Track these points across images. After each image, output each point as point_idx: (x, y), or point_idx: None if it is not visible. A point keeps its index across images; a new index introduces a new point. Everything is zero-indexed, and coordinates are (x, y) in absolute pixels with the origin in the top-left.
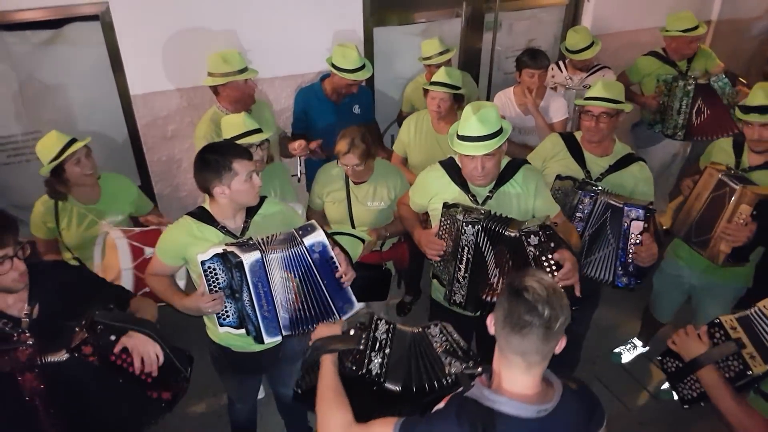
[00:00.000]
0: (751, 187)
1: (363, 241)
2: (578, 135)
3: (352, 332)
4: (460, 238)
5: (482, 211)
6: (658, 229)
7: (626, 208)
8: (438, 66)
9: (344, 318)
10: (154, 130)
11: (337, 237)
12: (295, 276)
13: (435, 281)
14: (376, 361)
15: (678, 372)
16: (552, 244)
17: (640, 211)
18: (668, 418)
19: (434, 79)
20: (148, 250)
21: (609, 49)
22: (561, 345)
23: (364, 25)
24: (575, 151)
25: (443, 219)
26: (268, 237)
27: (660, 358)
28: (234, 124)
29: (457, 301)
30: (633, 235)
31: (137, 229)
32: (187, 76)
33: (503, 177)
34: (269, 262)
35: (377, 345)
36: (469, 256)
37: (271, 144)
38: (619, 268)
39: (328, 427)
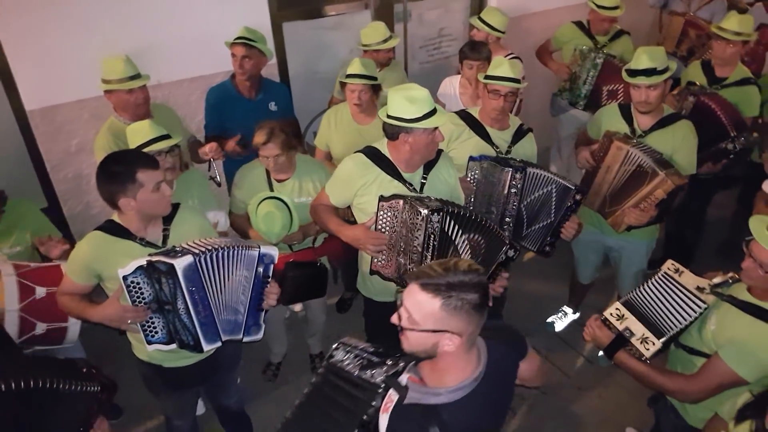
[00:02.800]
0: (673, 176)
1: (290, 210)
2: (473, 111)
3: None
4: (421, 227)
5: (431, 198)
6: None
7: (575, 189)
8: (383, 53)
9: (246, 340)
10: (57, 146)
11: (264, 202)
12: (231, 276)
13: (372, 277)
14: None
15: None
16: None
17: (584, 192)
18: (605, 379)
19: (349, 71)
20: (39, 290)
21: (525, 31)
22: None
23: (272, 20)
24: (478, 128)
25: (381, 212)
26: (196, 242)
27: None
28: (139, 132)
29: None
30: (570, 212)
31: (33, 265)
32: (86, 86)
33: (431, 163)
34: (205, 264)
35: None
36: (435, 243)
37: (182, 150)
38: (549, 239)
39: None
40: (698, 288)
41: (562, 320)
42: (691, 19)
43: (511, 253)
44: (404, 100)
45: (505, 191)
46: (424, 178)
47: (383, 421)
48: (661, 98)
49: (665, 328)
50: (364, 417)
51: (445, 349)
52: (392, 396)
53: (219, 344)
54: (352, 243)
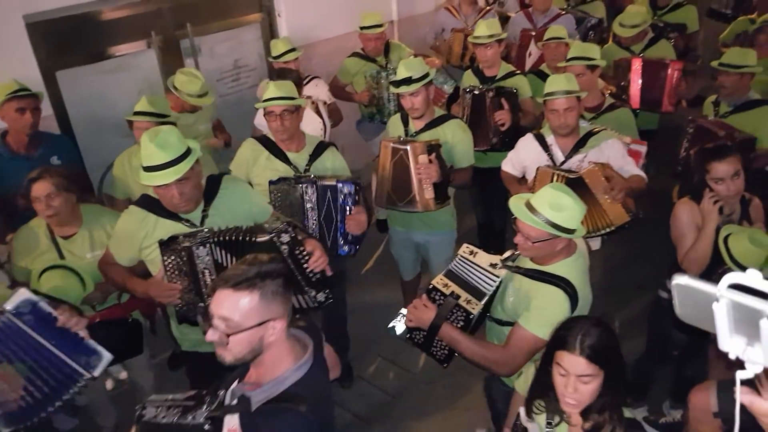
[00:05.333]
0: (412, 143)
1: (80, 276)
2: (272, 136)
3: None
4: (195, 264)
5: (206, 231)
6: (369, 203)
7: (339, 184)
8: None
9: (96, 374)
10: None
11: (46, 273)
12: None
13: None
14: None
15: (425, 341)
16: (299, 237)
17: (351, 185)
18: (450, 368)
19: (136, 108)
20: None
21: (316, 58)
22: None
23: (42, 70)
24: (276, 151)
25: (165, 257)
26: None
27: (408, 335)
28: None
29: None
30: (348, 208)
31: None
32: None
33: (210, 192)
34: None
35: None
36: (212, 277)
37: None
38: (340, 238)
39: None
40: (491, 264)
41: (401, 322)
42: (469, 33)
43: (285, 238)
44: (155, 149)
45: (303, 207)
46: (205, 211)
47: None
48: (427, 102)
49: (480, 294)
50: None
51: (271, 340)
52: (231, 422)
53: None
54: (147, 298)
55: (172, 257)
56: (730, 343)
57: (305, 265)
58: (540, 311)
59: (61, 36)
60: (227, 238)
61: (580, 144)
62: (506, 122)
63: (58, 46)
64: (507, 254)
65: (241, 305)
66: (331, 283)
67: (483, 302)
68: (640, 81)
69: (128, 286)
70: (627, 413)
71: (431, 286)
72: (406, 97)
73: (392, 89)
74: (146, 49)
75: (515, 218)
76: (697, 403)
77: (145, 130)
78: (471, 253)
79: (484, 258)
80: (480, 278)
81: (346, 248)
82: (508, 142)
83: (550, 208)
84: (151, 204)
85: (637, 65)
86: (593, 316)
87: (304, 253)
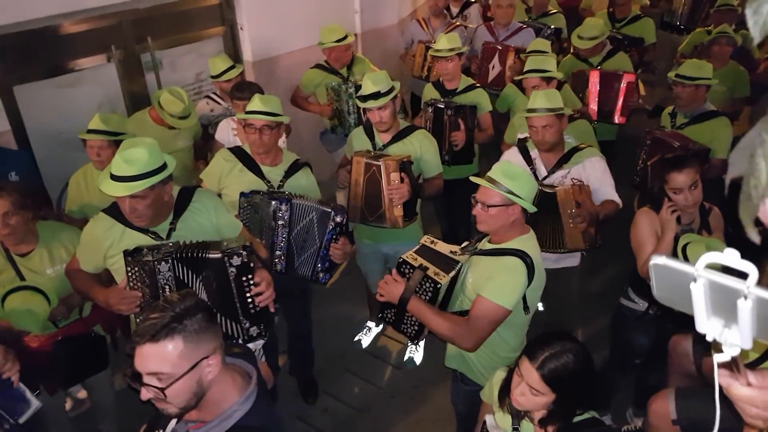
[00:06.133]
0: (387, 158)
1: (44, 294)
2: (248, 148)
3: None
4: (157, 279)
5: (170, 245)
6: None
7: (333, 212)
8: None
9: (21, 421)
10: None
11: (10, 296)
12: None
13: None
14: None
15: (396, 317)
16: (252, 265)
17: (343, 215)
18: (414, 381)
19: (89, 126)
20: None
21: (278, 71)
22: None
23: None
24: (250, 164)
25: (129, 268)
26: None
27: (380, 314)
28: None
29: None
30: (336, 237)
31: None
32: None
33: (180, 206)
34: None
35: None
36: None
37: None
38: (319, 265)
39: None
40: (451, 252)
41: (367, 335)
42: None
43: (236, 261)
44: (121, 161)
45: (273, 224)
46: (173, 224)
47: None
48: (394, 115)
49: (449, 268)
50: None
51: (210, 378)
52: None
53: None
54: (107, 307)
55: (136, 269)
56: (708, 325)
57: (247, 294)
58: (498, 280)
59: (19, 50)
60: (187, 254)
61: (564, 160)
62: (460, 143)
63: (15, 61)
64: (465, 244)
65: (167, 355)
66: (268, 321)
67: (450, 275)
68: (597, 93)
69: (90, 294)
70: (587, 414)
71: (401, 259)
72: (375, 111)
73: (359, 103)
74: (106, 63)
75: (473, 195)
76: (656, 411)
77: (98, 148)
78: (432, 242)
79: (444, 247)
80: (442, 263)
81: (326, 276)
82: (459, 159)
83: (504, 176)
84: (119, 213)
85: (594, 77)
86: (575, 343)
87: (251, 282)
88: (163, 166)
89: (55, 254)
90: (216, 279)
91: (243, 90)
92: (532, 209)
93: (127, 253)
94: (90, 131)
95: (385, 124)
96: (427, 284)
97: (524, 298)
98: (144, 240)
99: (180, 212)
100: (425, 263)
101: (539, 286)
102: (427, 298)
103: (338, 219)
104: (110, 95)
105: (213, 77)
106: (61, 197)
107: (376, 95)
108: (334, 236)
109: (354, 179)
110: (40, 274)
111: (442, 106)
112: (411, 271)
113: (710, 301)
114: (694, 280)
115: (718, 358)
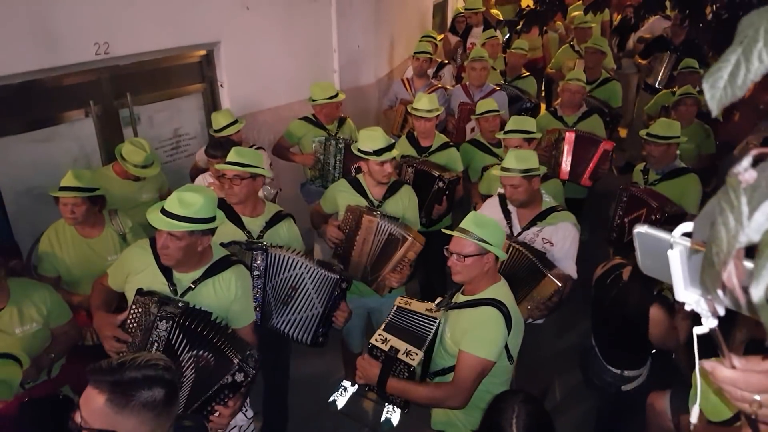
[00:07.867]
0: (418, 238)
1: (18, 360)
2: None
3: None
4: (151, 332)
5: (180, 305)
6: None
7: (340, 278)
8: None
9: None
10: None
11: None
12: None
13: None
14: None
15: (379, 392)
16: (242, 388)
17: (349, 278)
18: None
19: (63, 183)
20: None
21: (258, 126)
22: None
23: None
24: (231, 215)
25: (134, 306)
26: None
27: (366, 388)
28: None
29: None
30: (339, 300)
31: None
32: None
33: (213, 270)
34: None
35: None
36: (158, 352)
37: None
38: (320, 330)
39: None
40: (428, 309)
41: (343, 395)
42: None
43: (239, 377)
44: (176, 199)
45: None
46: (194, 284)
47: None
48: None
49: (421, 341)
50: None
51: None
52: None
53: None
54: (96, 329)
55: (140, 310)
56: (685, 294)
57: (214, 402)
58: (477, 332)
59: None
60: (190, 324)
61: (540, 218)
62: (440, 215)
63: None
64: (438, 300)
65: (90, 401)
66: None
67: (423, 350)
68: (572, 153)
69: (92, 309)
70: None
71: (370, 345)
72: (386, 164)
73: (373, 158)
74: (84, 118)
75: (447, 247)
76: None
77: (72, 205)
78: (406, 303)
79: (419, 305)
80: (419, 324)
81: (321, 339)
82: (435, 222)
83: (475, 225)
84: (155, 246)
85: (570, 138)
86: (520, 391)
87: (227, 398)
88: (211, 219)
89: (26, 313)
90: (206, 367)
91: (216, 148)
92: (503, 256)
93: (140, 293)
94: (62, 188)
95: (388, 177)
96: (401, 366)
97: (506, 347)
98: (160, 285)
99: (208, 275)
100: (396, 343)
101: (519, 331)
102: (405, 376)
103: (344, 285)
104: (86, 150)
105: (215, 131)
106: (32, 252)
107: (390, 147)
108: (338, 301)
109: (362, 237)
110: (9, 333)
111: (436, 175)
112: (382, 354)
113: (688, 271)
114: (671, 247)
115: (697, 330)
